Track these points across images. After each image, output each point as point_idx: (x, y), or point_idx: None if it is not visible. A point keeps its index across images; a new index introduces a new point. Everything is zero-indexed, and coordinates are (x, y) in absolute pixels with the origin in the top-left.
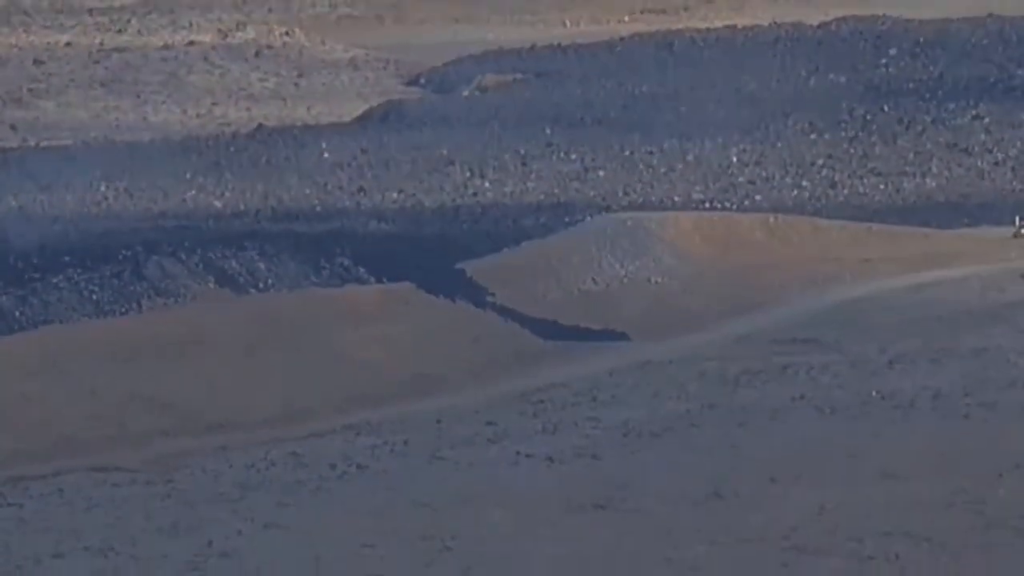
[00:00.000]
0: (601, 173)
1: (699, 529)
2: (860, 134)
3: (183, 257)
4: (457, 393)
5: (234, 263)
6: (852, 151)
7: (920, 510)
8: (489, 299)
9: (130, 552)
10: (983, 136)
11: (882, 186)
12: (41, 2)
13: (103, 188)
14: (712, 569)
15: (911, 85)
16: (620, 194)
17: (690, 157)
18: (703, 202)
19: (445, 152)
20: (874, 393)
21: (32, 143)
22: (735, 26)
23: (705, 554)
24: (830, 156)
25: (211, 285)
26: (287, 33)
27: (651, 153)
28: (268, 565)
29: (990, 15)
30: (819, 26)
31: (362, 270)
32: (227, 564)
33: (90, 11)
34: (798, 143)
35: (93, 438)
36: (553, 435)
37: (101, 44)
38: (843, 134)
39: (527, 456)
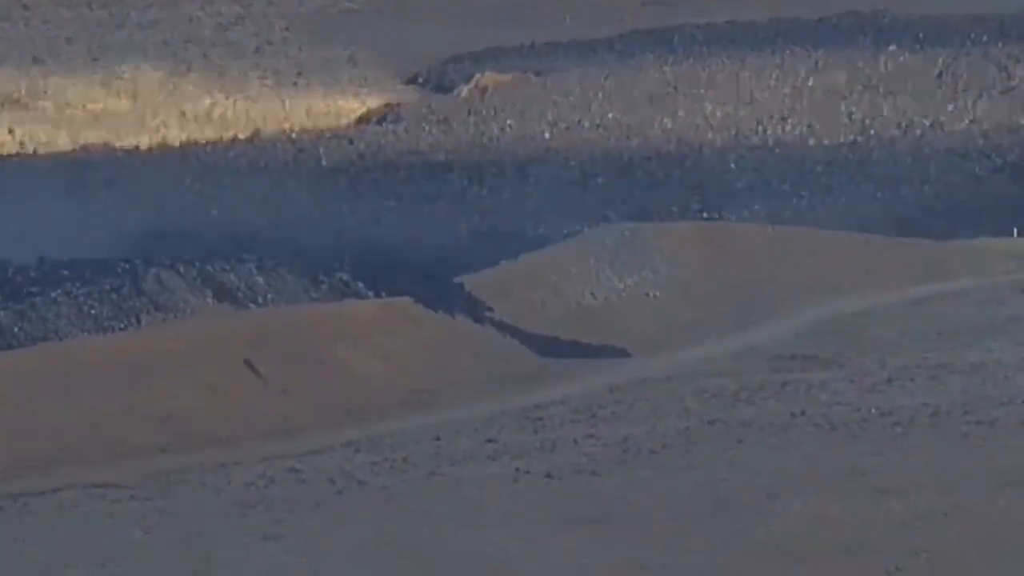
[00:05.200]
0: (600, 180)
1: (698, 544)
2: (859, 139)
3: (181, 270)
4: (456, 409)
5: (232, 277)
6: (850, 157)
7: (919, 524)
8: (488, 314)
9: (129, 566)
10: (981, 141)
11: (879, 194)
12: None
13: (102, 196)
14: None
15: (910, 86)
16: (618, 201)
17: (688, 163)
18: (700, 211)
19: (443, 158)
20: (873, 410)
21: (30, 149)
22: (735, 21)
23: (705, 567)
24: (829, 162)
25: (210, 300)
26: (287, 29)
27: (648, 159)
28: None
29: (990, 11)
30: (819, 21)
31: (360, 285)
32: None
33: (89, 5)
34: (797, 148)
35: (92, 453)
36: (552, 452)
37: (100, 40)
38: (841, 139)
39: (526, 473)
